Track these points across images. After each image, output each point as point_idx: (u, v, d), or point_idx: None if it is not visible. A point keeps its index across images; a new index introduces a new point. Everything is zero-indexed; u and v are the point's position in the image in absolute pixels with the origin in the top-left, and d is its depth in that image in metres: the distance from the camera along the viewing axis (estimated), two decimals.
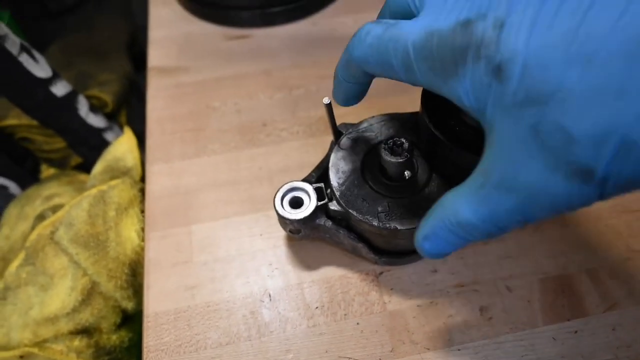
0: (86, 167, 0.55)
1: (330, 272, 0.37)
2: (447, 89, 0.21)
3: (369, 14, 0.58)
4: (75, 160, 0.66)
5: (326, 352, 0.33)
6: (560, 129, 0.17)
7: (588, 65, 0.16)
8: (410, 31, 0.22)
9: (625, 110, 0.15)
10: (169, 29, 0.58)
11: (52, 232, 0.44)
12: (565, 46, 0.16)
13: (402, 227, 0.31)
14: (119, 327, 0.44)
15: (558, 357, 0.33)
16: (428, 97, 0.30)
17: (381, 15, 0.27)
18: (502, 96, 0.19)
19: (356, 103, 0.30)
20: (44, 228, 0.45)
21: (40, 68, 0.54)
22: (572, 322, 0.34)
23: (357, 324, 0.35)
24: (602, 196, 0.18)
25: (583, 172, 0.17)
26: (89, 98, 0.65)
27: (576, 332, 0.34)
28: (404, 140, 0.31)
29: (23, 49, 0.55)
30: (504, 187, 0.20)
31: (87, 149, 0.61)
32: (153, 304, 0.36)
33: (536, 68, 0.17)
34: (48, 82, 0.55)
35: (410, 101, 0.46)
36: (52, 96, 0.55)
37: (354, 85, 0.28)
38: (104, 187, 0.44)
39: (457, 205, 0.22)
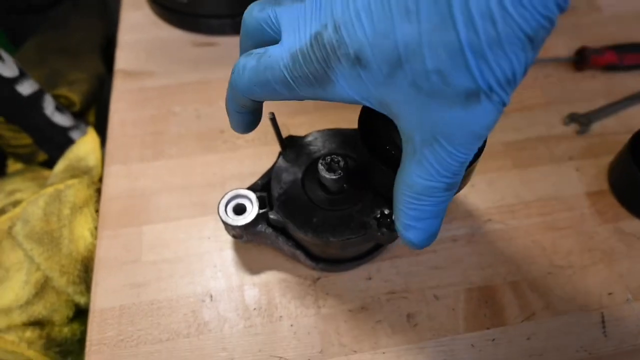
0: (52, 163, 0.56)
1: (271, 276, 0.39)
2: (330, 94, 0.23)
3: None
4: (43, 156, 0.67)
5: (259, 351, 0.35)
6: (431, 72, 0.19)
7: (408, 17, 0.19)
8: (279, 56, 0.24)
9: (414, 29, 0.19)
10: (138, 33, 0.60)
11: (10, 227, 0.46)
12: (389, 15, 0.19)
13: (333, 239, 0.33)
14: (72, 320, 0.45)
15: None
16: (365, 121, 0.31)
17: (243, 48, 0.28)
18: (375, 77, 0.21)
19: (255, 127, 0.31)
20: (2, 223, 0.47)
21: (6, 67, 0.55)
22: (491, 330, 0.37)
23: (291, 325, 0.37)
24: (503, 104, 0.20)
25: (470, 93, 0.19)
26: (56, 97, 0.66)
27: (494, 340, 0.36)
28: (340, 159, 0.34)
29: None
30: (428, 143, 0.21)
31: (52, 146, 0.62)
32: (100, 300, 0.38)
33: (381, 42, 0.20)
34: (14, 81, 0.56)
35: None
36: (18, 95, 0.56)
37: (246, 114, 0.29)
38: (60, 186, 0.45)
39: (406, 180, 0.23)
